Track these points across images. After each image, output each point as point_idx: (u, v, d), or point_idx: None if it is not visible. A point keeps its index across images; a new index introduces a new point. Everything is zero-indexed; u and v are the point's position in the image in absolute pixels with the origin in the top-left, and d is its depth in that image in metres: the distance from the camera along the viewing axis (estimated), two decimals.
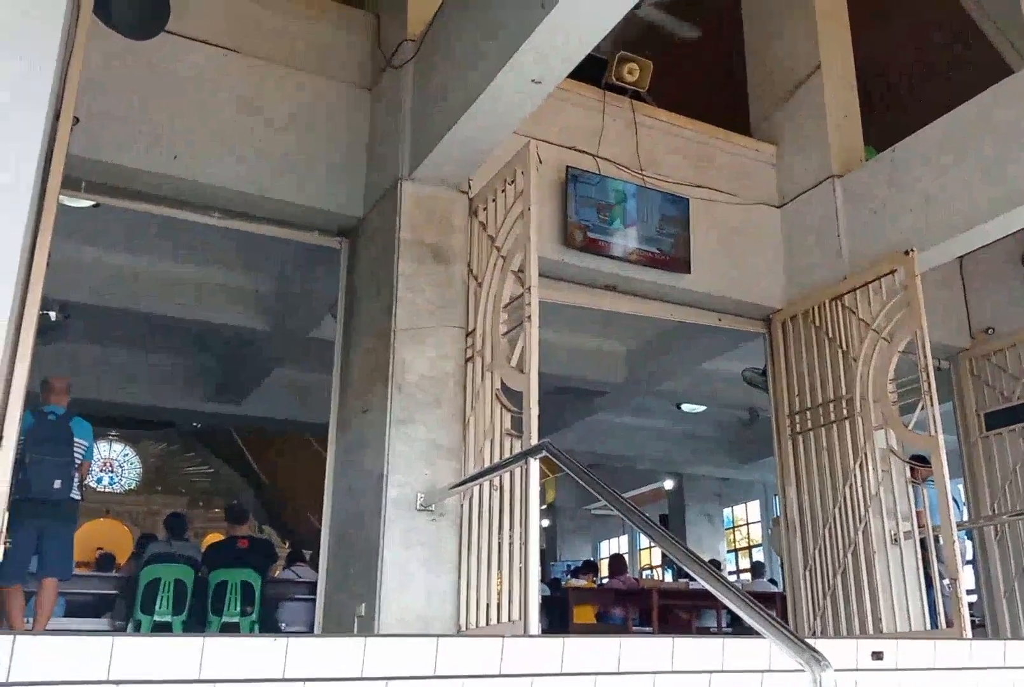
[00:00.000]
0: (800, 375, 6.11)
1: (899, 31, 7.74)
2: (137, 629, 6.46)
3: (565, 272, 5.74)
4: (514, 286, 4.43)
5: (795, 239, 6.41)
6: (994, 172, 5.15)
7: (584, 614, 8.49)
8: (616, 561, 10.45)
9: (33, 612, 5.32)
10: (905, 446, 5.48)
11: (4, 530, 2.78)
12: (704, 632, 8.48)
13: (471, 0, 4.60)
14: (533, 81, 4.11)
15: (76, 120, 3.39)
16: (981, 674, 3.55)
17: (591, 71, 5.73)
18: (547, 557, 15.92)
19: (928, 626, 5.20)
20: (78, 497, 5.47)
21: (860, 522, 5.49)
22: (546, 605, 7.79)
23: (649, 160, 6.08)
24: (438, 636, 2.46)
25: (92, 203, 5.21)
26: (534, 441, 3.82)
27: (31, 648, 1.98)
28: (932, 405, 5.09)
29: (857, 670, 3.25)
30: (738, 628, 8.01)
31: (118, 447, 18.99)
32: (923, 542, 5.37)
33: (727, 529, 16.28)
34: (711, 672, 2.87)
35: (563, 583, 10.05)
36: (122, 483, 18.93)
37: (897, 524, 5.35)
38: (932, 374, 5.19)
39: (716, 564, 11.26)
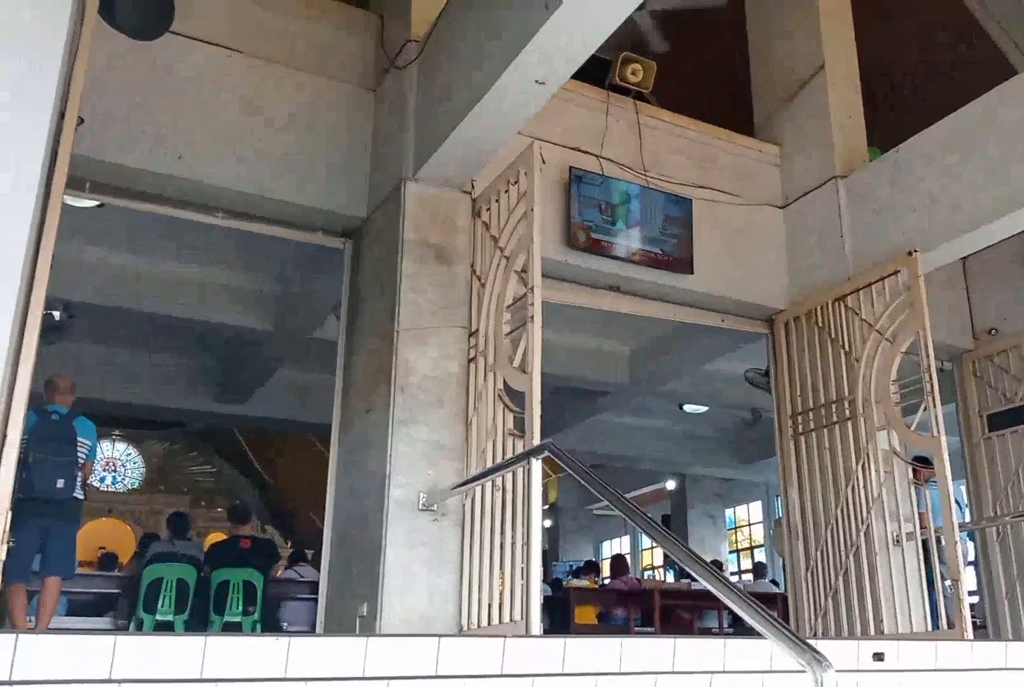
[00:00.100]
0: (802, 376, 6.11)
1: (903, 31, 7.74)
2: (139, 628, 6.46)
3: (568, 272, 5.74)
4: (517, 286, 4.43)
5: (798, 240, 6.41)
6: (999, 172, 5.14)
7: (586, 614, 8.49)
8: (618, 561, 10.44)
9: (36, 611, 5.32)
10: (907, 447, 5.48)
11: (7, 529, 2.79)
12: (706, 633, 8.48)
13: (475, 1, 4.60)
14: (537, 82, 4.11)
15: (80, 120, 3.40)
16: (982, 675, 3.55)
17: (595, 72, 5.74)
18: (549, 557, 15.91)
19: (929, 627, 5.20)
20: (81, 496, 5.48)
21: (862, 523, 5.48)
22: (548, 605, 7.80)
23: (652, 161, 6.08)
24: (440, 636, 2.46)
25: (96, 203, 5.22)
26: (536, 441, 3.82)
27: (34, 647, 1.99)
28: (935, 406, 5.09)
29: (858, 671, 3.25)
30: (739, 629, 8.01)
31: (121, 446, 19.01)
32: (925, 543, 5.37)
33: (729, 530, 16.26)
34: (712, 673, 2.87)
35: (564, 583, 10.04)
36: (125, 482, 18.94)
37: (899, 525, 5.34)
38: (935, 375, 5.19)
39: (718, 565, 11.25)
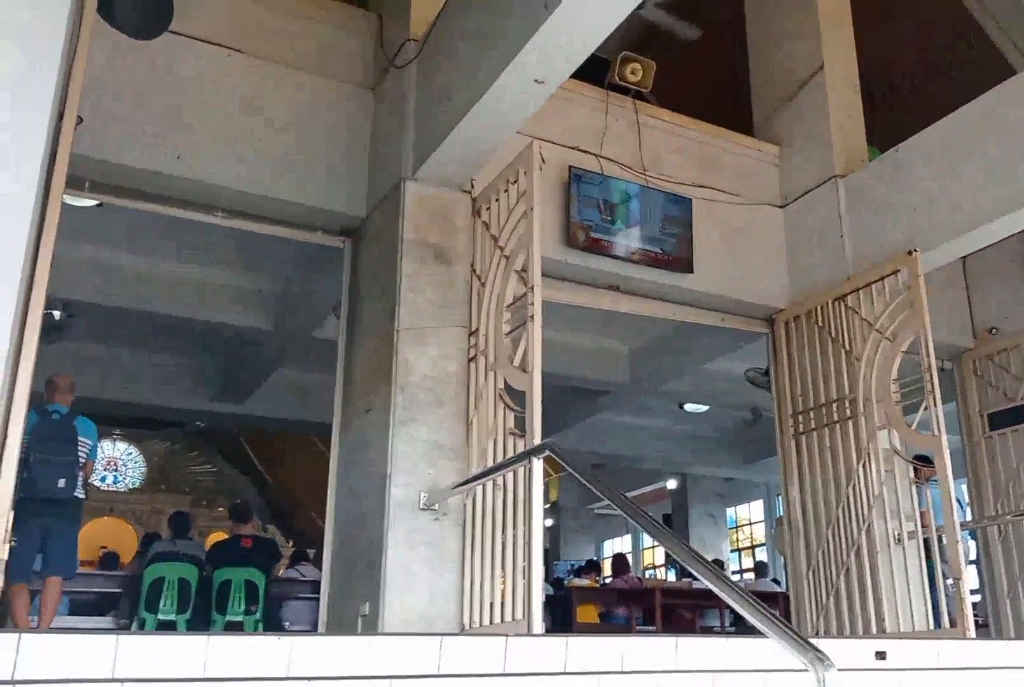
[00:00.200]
0: (803, 375, 6.11)
1: (902, 31, 7.74)
2: (141, 627, 6.47)
3: (568, 272, 5.74)
4: (517, 286, 4.43)
5: (798, 239, 6.41)
6: (998, 172, 5.14)
7: (587, 614, 8.49)
8: (618, 561, 10.45)
9: (38, 610, 5.33)
10: (908, 446, 5.48)
11: (9, 529, 2.79)
12: (707, 632, 8.48)
13: (474, 0, 4.60)
14: (536, 81, 4.11)
15: (80, 120, 3.40)
16: (984, 674, 3.55)
17: (594, 71, 5.73)
18: (550, 556, 15.91)
19: (931, 626, 5.20)
20: (82, 496, 5.48)
21: (863, 522, 5.48)
22: (549, 605, 7.80)
23: (652, 160, 6.08)
24: (442, 635, 2.46)
25: (96, 202, 5.22)
26: (537, 441, 3.82)
27: (36, 646, 1.99)
28: (935, 405, 5.09)
29: (861, 670, 3.25)
30: (741, 628, 8.02)
31: (122, 446, 19.00)
32: (926, 542, 5.38)
33: (730, 529, 16.26)
34: (715, 672, 2.87)
35: (566, 582, 10.04)
36: (126, 482, 18.93)
37: (900, 524, 5.34)
38: (935, 374, 5.19)
39: (719, 564, 11.26)
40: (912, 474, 5.55)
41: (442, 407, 4.60)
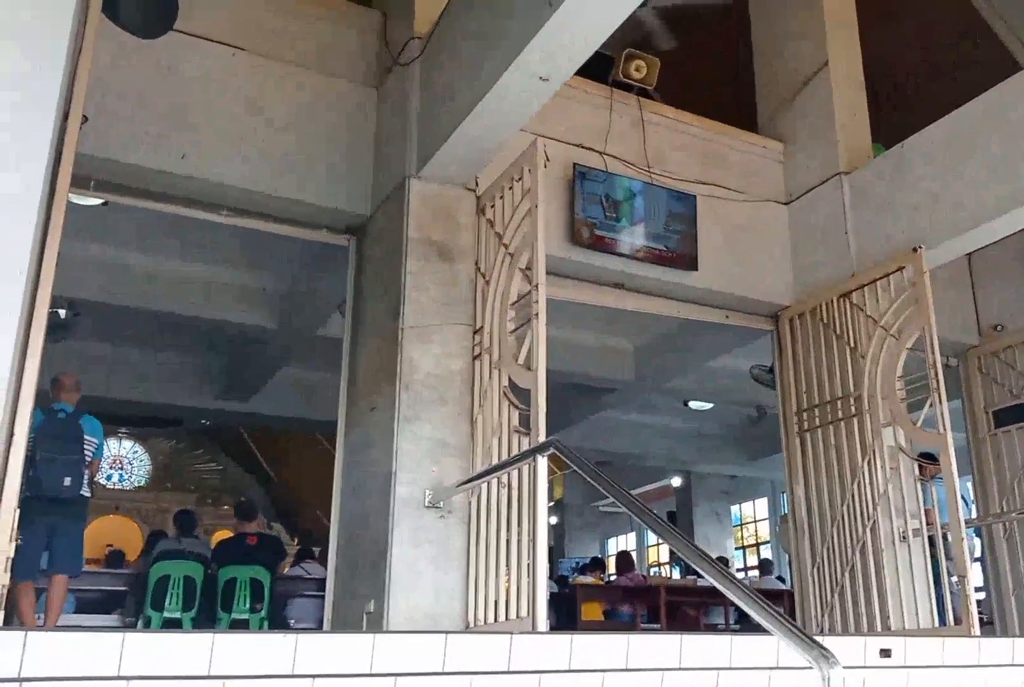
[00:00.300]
0: (808, 372, 6.10)
1: (905, 30, 7.72)
2: (147, 625, 6.49)
3: (572, 269, 5.74)
4: (521, 283, 4.43)
5: (802, 236, 6.40)
6: (1002, 169, 5.13)
7: (592, 611, 8.50)
8: (623, 558, 10.44)
9: (44, 608, 5.34)
10: (913, 443, 5.48)
11: (15, 527, 2.80)
12: (712, 629, 8.49)
13: None
14: (540, 79, 4.11)
15: (85, 119, 3.41)
16: (989, 672, 3.55)
17: (598, 68, 5.72)
18: (555, 554, 15.93)
19: (936, 623, 5.20)
20: (88, 494, 5.50)
21: (868, 520, 5.48)
22: (554, 602, 7.80)
23: (656, 157, 6.08)
24: (446, 633, 2.46)
25: (101, 201, 5.23)
26: (542, 438, 3.82)
27: (43, 644, 1.99)
28: (940, 402, 5.08)
29: (865, 667, 3.25)
30: (746, 625, 8.01)
31: (127, 444, 19.06)
32: (931, 540, 5.37)
33: (735, 526, 16.26)
34: (719, 669, 2.87)
35: (571, 580, 10.05)
36: (132, 480, 18.99)
37: (905, 522, 5.34)
38: (940, 371, 5.18)
39: (724, 561, 11.26)
40: (917, 471, 5.53)
41: (446, 405, 4.60)
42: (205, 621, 6.67)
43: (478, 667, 2.45)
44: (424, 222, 4.88)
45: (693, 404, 11.10)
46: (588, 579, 9.66)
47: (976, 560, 6.76)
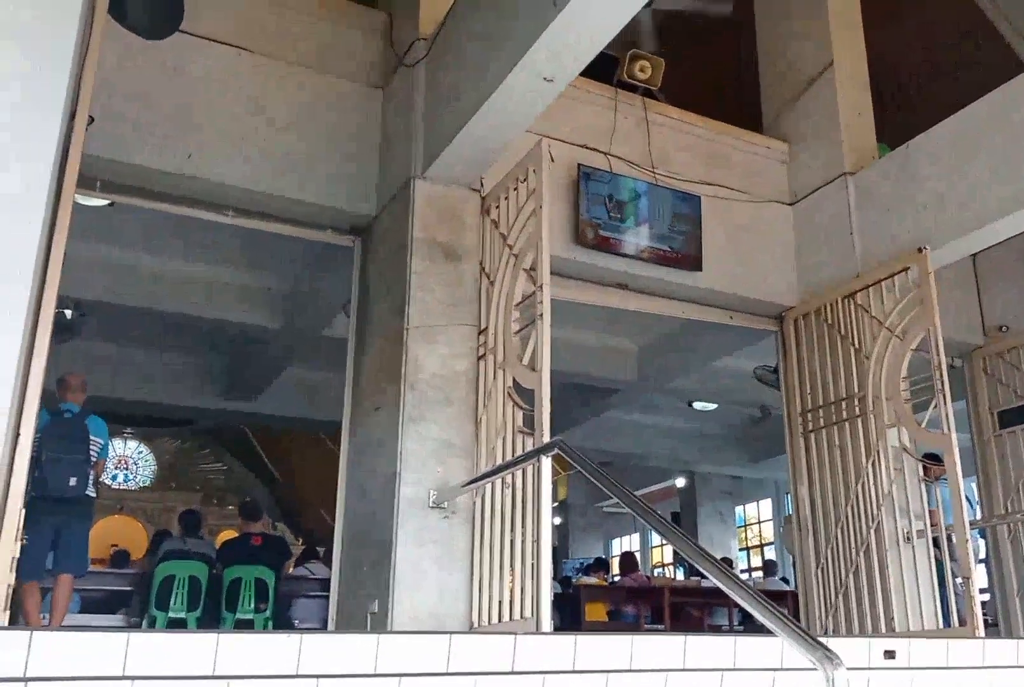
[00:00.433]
0: (812, 373, 6.10)
1: (909, 31, 7.72)
2: (152, 625, 6.49)
3: (576, 270, 5.74)
4: (526, 284, 4.43)
5: (807, 237, 6.40)
6: (1005, 170, 5.13)
7: (596, 612, 8.50)
8: (627, 559, 10.45)
9: (49, 608, 5.35)
10: (918, 444, 5.47)
11: (20, 527, 2.81)
12: (716, 630, 8.48)
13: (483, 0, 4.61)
14: (545, 79, 4.11)
15: (91, 119, 3.41)
16: (994, 673, 3.54)
17: (603, 69, 5.72)
18: (559, 555, 15.92)
19: (941, 625, 5.19)
20: (93, 494, 5.51)
21: (873, 521, 5.47)
22: (558, 603, 7.80)
23: (661, 158, 6.07)
24: (451, 633, 2.46)
25: (107, 202, 5.24)
26: (546, 439, 3.82)
27: (48, 644, 2.00)
28: (945, 403, 5.08)
29: (869, 669, 3.25)
30: (750, 626, 8.01)
31: (133, 444, 19.10)
32: (936, 541, 5.36)
33: (739, 527, 16.25)
34: (723, 670, 2.87)
35: (574, 580, 10.05)
36: (137, 480, 19.03)
37: (910, 522, 5.33)
38: (945, 372, 5.17)
39: (728, 562, 11.24)
40: (921, 472, 5.53)
41: (451, 405, 4.60)
42: (210, 621, 6.67)
43: (482, 667, 2.45)
44: (429, 222, 4.88)
45: (697, 405, 11.10)
46: (592, 580, 9.67)
47: (981, 561, 6.74)
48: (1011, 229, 5.31)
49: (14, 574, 2.80)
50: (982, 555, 6.89)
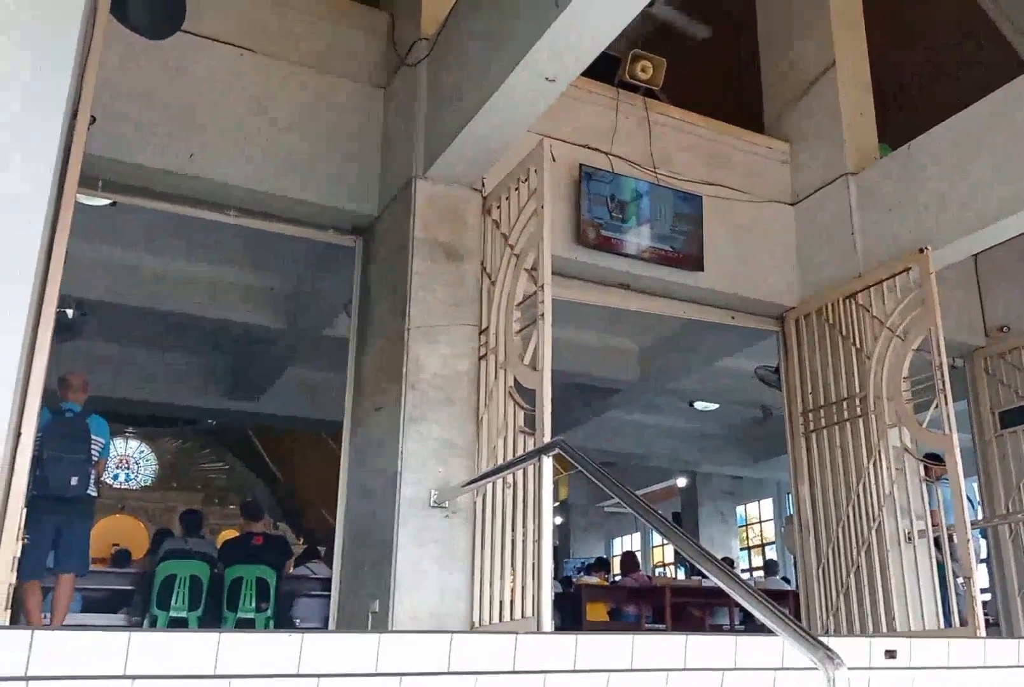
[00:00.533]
0: (813, 373, 6.10)
1: (911, 31, 7.72)
2: (153, 625, 6.50)
3: (578, 270, 5.74)
4: (527, 284, 4.43)
5: (808, 237, 6.40)
6: (1008, 170, 5.12)
7: (597, 611, 8.51)
8: (628, 558, 10.46)
9: (50, 607, 5.36)
10: (919, 444, 5.47)
11: (22, 526, 2.81)
12: (717, 630, 8.48)
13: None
14: (547, 79, 4.11)
15: (93, 119, 3.41)
16: (995, 673, 3.54)
17: (604, 69, 5.72)
18: (560, 554, 15.92)
19: (942, 625, 5.19)
20: (95, 494, 5.51)
21: (874, 521, 5.47)
22: (559, 603, 7.81)
23: (662, 158, 6.07)
24: (452, 633, 2.46)
25: (109, 202, 5.25)
26: (547, 439, 3.83)
27: (49, 643, 2.00)
28: (946, 403, 5.08)
29: (871, 669, 3.25)
30: (751, 626, 8.01)
31: (134, 444, 19.11)
32: (937, 541, 5.36)
33: (740, 527, 16.24)
34: (724, 670, 2.87)
35: (575, 580, 10.05)
36: (138, 480, 19.04)
37: (911, 523, 5.33)
38: (947, 372, 5.17)
39: (729, 562, 11.25)
40: (923, 472, 5.53)
41: (452, 405, 4.60)
42: (211, 620, 6.68)
43: (483, 667, 2.46)
44: (430, 222, 4.89)
45: (698, 405, 11.10)
46: (593, 579, 9.67)
47: (982, 561, 6.74)
48: (1013, 229, 5.30)
49: (15, 573, 2.80)
50: (983, 555, 6.89)
